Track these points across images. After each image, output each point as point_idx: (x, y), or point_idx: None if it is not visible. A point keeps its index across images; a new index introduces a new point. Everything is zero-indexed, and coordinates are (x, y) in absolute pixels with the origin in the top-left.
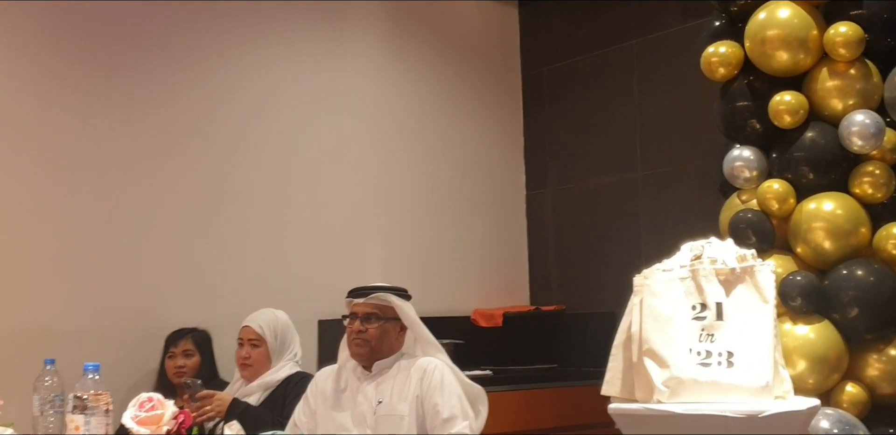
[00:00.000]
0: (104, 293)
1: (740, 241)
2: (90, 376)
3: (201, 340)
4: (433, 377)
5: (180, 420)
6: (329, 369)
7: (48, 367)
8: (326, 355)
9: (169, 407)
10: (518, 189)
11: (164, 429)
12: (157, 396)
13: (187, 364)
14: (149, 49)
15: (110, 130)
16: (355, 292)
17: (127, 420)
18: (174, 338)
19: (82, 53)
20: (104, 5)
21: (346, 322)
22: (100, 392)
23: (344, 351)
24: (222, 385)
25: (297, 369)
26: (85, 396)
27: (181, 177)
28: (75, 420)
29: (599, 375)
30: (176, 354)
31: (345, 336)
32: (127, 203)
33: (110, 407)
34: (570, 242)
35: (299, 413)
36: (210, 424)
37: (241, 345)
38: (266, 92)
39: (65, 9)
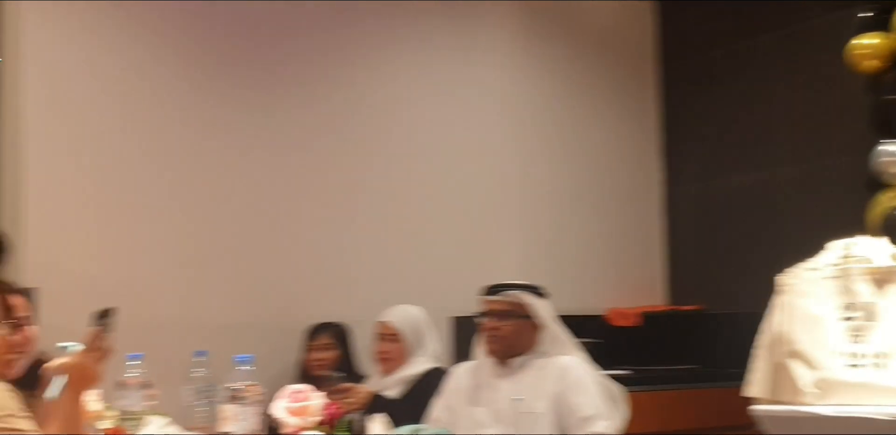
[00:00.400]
0: (249, 288)
1: (890, 239)
2: (243, 368)
3: (340, 334)
4: (572, 375)
5: (329, 412)
6: (466, 366)
7: (200, 358)
8: (461, 351)
9: (318, 399)
10: (655, 186)
11: (314, 420)
12: (307, 387)
13: (326, 357)
14: (288, 48)
15: (254, 128)
16: (490, 290)
17: (278, 411)
18: (314, 332)
19: (228, 53)
20: (251, 7)
21: (480, 319)
22: (252, 383)
23: (480, 348)
24: (361, 379)
25: (435, 365)
26: (238, 387)
27: (322, 175)
28: (229, 410)
29: (741, 376)
30: (315, 348)
31: (480, 333)
32: (272, 202)
33: (262, 398)
34: (710, 240)
35: (438, 408)
36: (351, 417)
37: (378, 340)
38: (403, 89)
39: (217, 12)
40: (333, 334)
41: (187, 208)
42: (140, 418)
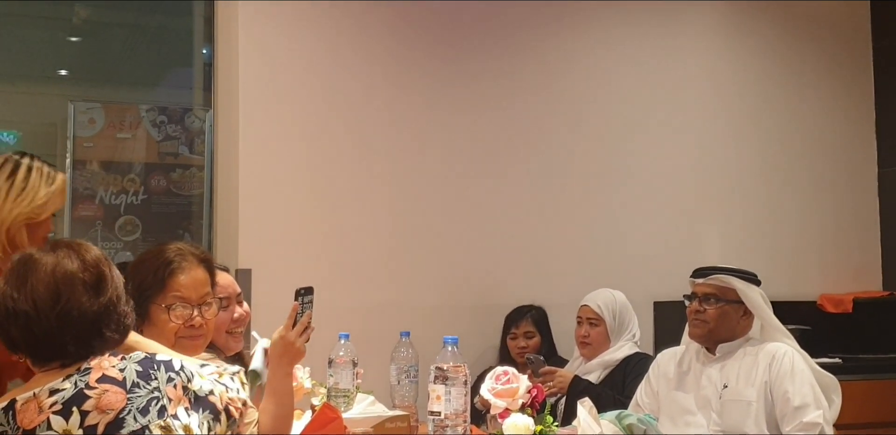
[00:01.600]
0: (451, 273)
1: None
2: (449, 349)
3: (539, 320)
4: (783, 363)
5: (534, 394)
6: (671, 351)
7: (404, 339)
8: (662, 337)
9: (523, 381)
10: (870, 166)
11: (520, 402)
12: (512, 370)
13: (529, 344)
14: (498, 47)
15: (457, 119)
16: (697, 272)
17: (484, 392)
18: (515, 317)
19: (437, 50)
20: (462, 6)
21: (686, 302)
22: (458, 364)
23: (686, 332)
24: (561, 362)
25: (636, 350)
26: (445, 368)
27: (525, 160)
28: (437, 390)
29: None
30: (518, 336)
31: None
32: (475, 188)
33: (468, 378)
34: None
35: (642, 393)
36: (552, 400)
37: (579, 324)
38: (606, 72)
39: (426, 9)
40: (533, 320)
41: (392, 196)
42: (350, 395)
